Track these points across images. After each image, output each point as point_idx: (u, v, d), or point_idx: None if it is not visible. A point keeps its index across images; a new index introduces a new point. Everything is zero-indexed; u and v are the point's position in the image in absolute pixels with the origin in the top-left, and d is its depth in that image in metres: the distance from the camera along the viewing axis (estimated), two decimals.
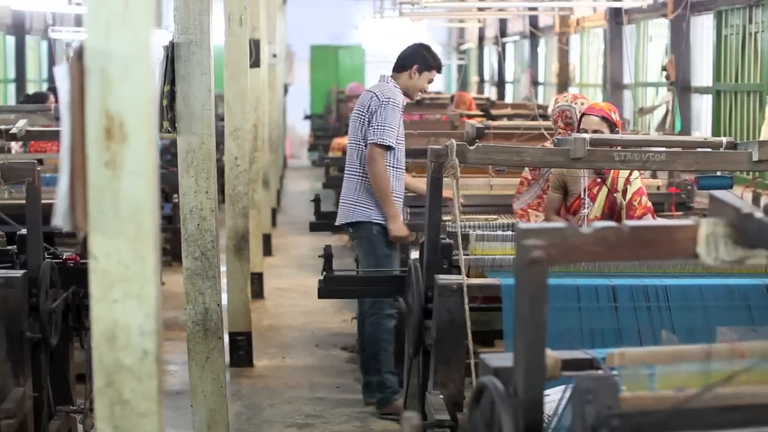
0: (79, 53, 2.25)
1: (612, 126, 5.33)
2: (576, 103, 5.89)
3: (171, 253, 9.72)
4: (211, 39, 4.68)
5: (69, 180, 2.27)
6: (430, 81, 6.28)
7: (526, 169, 5.89)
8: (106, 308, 2.32)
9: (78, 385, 5.21)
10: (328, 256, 5.03)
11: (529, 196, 5.92)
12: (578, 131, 5.39)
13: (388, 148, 5.99)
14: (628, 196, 5.42)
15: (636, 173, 5.47)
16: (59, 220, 2.30)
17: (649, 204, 5.51)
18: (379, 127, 5.99)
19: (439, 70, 6.29)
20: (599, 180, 5.42)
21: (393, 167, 6.04)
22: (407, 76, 6.19)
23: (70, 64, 2.26)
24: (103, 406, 2.36)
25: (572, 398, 2.30)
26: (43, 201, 4.59)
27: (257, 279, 9.05)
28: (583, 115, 5.47)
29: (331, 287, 5.07)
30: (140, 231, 2.29)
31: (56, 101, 10.16)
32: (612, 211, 5.41)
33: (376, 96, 6.07)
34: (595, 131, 5.26)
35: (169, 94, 4.72)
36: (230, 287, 7.09)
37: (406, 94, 6.20)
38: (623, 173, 5.41)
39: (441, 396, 3.92)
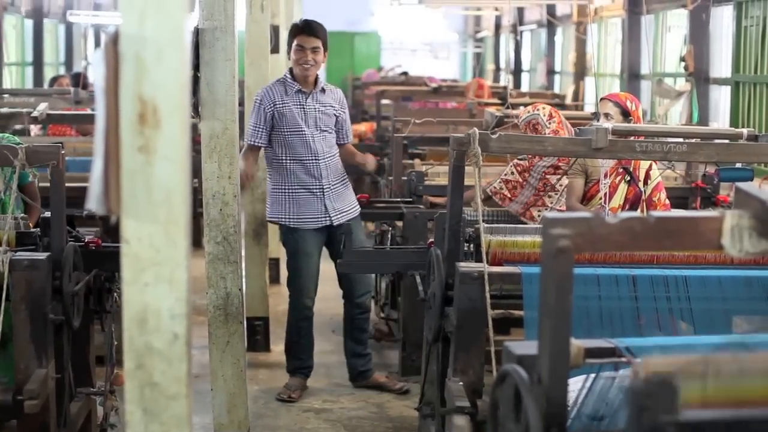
0: (114, 39, 2.27)
1: (626, 114, 5.44)
2: (538, 110, 5.84)
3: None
4: (236, 25, 4.70)
5: (103, 164, 2.30)
6: (300, 47, 6.06)
7: (512, 170, 5.85)
8: (137, 291, 2.35)
9: (98, 368, 5.25)
10: (347, 232, 5.23)
11: (525, 196, 5.84)
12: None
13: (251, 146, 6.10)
14: (648, 190, 5.45)
15: (655, 166, 5.49)
16: (93, 204, 2.32)
17: (668, 201, 5.54)
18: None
19: (298, 31, 6.09)
20: (621, 170, 5.43)
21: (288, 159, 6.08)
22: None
23: (105, 49, 2.28)
24: (133, 388, 2.39)
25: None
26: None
27: (274, 264, 9.06)
28: (601, 99, 5.60)
29: (351, 262, 5.22)
30: (172, 215, 2.31)
31: (71, 84, 10.20)
32: (634, 201, 5.41)
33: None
34: (606, 114, 5.44)
35: (193, 80, 4.74)
36: (249, 272, 7.10)
37: (297, 75, 6.11)
38: (644, 163, 5.42)
39: (461, 383, 3.94)
